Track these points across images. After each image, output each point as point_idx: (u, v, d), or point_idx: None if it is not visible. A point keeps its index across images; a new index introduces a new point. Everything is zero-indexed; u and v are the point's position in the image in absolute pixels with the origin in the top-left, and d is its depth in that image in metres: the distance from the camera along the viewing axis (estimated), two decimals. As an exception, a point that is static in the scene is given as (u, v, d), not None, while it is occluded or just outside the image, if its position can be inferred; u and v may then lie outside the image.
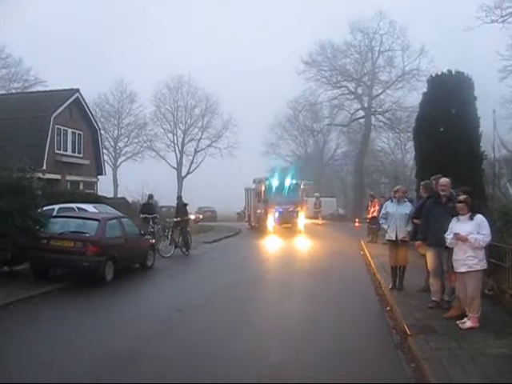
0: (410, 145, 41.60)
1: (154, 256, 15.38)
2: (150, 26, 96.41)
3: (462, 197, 7.97)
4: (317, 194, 38.90)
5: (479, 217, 7.70)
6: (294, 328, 8.51)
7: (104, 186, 34.32)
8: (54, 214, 14.76)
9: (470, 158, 15.31)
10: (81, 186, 28.32)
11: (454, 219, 7.91)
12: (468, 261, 7.62)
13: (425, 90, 18.00)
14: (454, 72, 16.99)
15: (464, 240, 7.60)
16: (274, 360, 6.75)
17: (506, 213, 11.32)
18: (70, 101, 27.68)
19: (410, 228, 10.58)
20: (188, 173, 63.98)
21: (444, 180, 9.10)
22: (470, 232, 7.59)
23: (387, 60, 53.65)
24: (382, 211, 11.39)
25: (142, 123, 61.97)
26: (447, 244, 7.96)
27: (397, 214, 10.77)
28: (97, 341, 7.57)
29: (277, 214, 27.81)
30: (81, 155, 29.03)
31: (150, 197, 20.85)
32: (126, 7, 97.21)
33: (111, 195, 36.77)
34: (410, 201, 11.50)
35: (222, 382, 6.01)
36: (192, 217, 21.75)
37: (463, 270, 7.69)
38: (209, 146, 64.06)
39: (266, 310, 9.94)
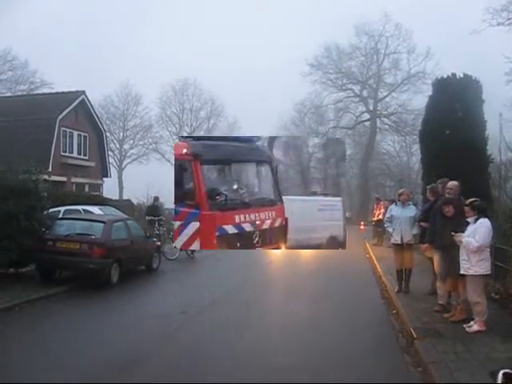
0: (416, 148, 41.58)
1: (160, 258, 15.42)
2: (155, 28, 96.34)
3: (468, 200, 7.94)
4: (322, 197, 38.76)
5: (480, 221, 7.63)
6: (299, 329, 8.48)
7: (109, 188, 34.36)
8: (60, 215, 14.79)
9: (476, 161, 15.22)
10: (86, 188, 28.37)
11: None
12: (463, 264, 7.66)
13: (430, 92, 17.94)
14: (459, 75, 16.90)
15: (460, 242, 7.65)
16: (279, 361, 6.74)
17: (513, 216, 11.29)
18: (75, 103, 27.76)
19: (416, 231, 10.55)
20: (193, 175, 63.93)
21: (451, 183, 9.06)
22: (467, 235, 7.59)
23: (393, 62, 53.65)
24: (387, 215, 11.38)
25: (147, 125, 62.05)
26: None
27: (402, 218, 10.74)
28: (101, 342, 7.58)
29: None
30: (86, 157, 29.11)
31: (156, 199, 20.93)
32: (130, 9, 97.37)
33: (116, 197, 36.89)
34: (414, 204, 11.47)
35: (226, 382, 5.99)
36: None
37: (461, 271, 7.74)
38: (214, 148, 64.01)
39: (272, 312, 9.92)
